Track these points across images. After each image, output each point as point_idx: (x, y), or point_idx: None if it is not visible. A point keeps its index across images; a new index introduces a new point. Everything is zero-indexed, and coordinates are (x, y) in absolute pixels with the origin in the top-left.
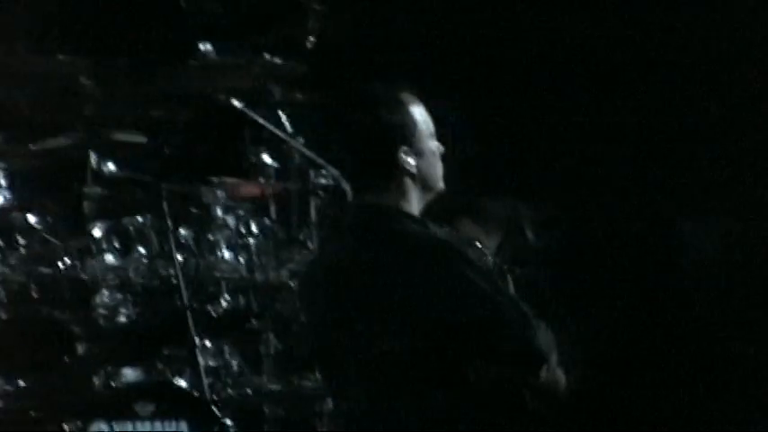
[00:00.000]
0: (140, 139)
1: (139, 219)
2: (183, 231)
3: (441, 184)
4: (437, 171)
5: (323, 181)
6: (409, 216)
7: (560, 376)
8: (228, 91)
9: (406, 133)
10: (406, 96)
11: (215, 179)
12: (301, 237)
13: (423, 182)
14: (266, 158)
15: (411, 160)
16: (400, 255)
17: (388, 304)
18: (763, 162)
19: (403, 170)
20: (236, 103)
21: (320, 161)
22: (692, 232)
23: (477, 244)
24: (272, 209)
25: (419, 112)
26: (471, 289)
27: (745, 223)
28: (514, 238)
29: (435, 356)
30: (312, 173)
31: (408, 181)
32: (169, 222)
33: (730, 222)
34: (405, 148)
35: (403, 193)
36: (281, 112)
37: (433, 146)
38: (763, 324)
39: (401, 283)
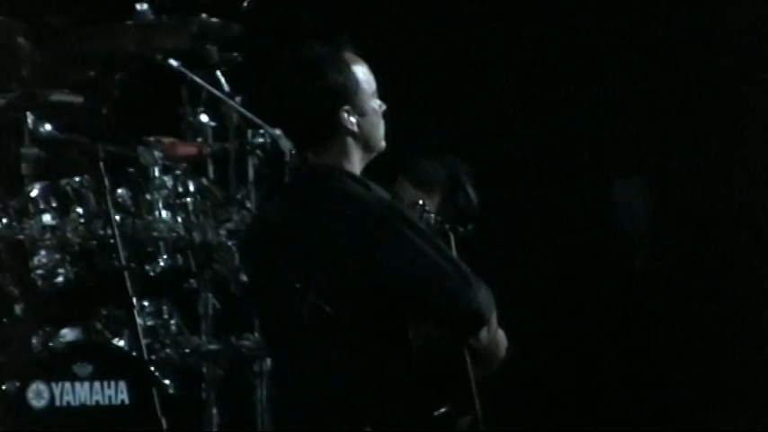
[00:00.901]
0: (77, 99)
1: (77, 179)
2: (120, 191)
3: (382, 144)
4: (379, 131)
5: (260, 140)
6: (351, 175)
7: (502, 338)
8: (166, 51)
9: (347, 93)
10: (348, 56)
11: (152, 139)
12: (239, 196)
13: (364, 142)
14: (204, 118)
15: (353, 119)
16: (341, 214)
17: (329, 264)
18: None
19: (344, 130)
20: (173, 62)
21: (258, 121)
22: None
23: (420, 202)
24: (210, 169)
25: (362, 71)
26: (412, 249)
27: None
28: (456, 197)
29: (375, 317)
30: (250, 133)
31: (350, 140)
32: (106, 183)
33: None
34: (346, 107)
35: (344, 153)
36: (218, 72)
37: (375, 105)
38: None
39: (341, 242)
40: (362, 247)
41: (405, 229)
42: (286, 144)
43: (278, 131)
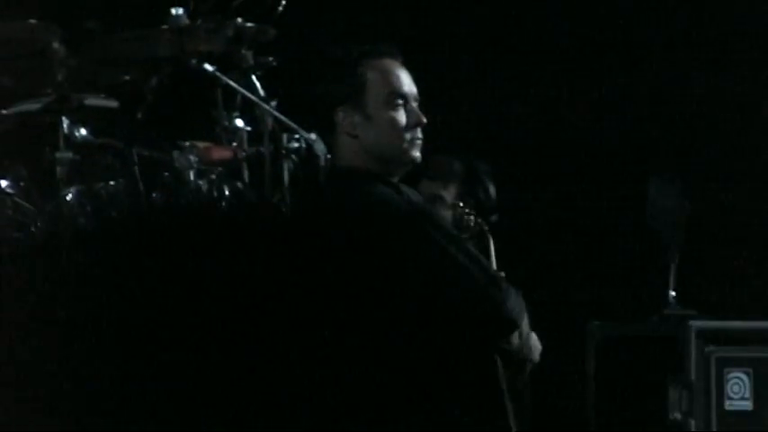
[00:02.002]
0: (112, 103)
1: (111, 183)
2: (155, 196)
3: (407, 155)
4: (391, 140)
5: (295, 145)
6: (380, 178)
7: (535, 342)
8: (201, 55)
9: (347, 94)
10: (375, 61)
11: (187, 143)
12: (274, 200)
13: (371, 147)
14: (239, 122)
15: (352, 121)
16: (372, 218)
17: (360, 267)
18: None
19: (342, 130)
20: (208, 67)
21: (292, 125)
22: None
23: (461, 204)
24: (245, 173)
25: (380, 77)
26: (441, 253)
27: None
28: (476, 191)
29: (405, 321)
30: (285, 137)
31: (351, 142)
32: (141, 187)
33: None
34: (344, 108)
35: (352, 155)
36: (253, 76)
37: (392, 113)
38: None
39: (373, 246)
40: (391, 251)
41: (434, 233)
42: (321, 148)
43: (313, 135)
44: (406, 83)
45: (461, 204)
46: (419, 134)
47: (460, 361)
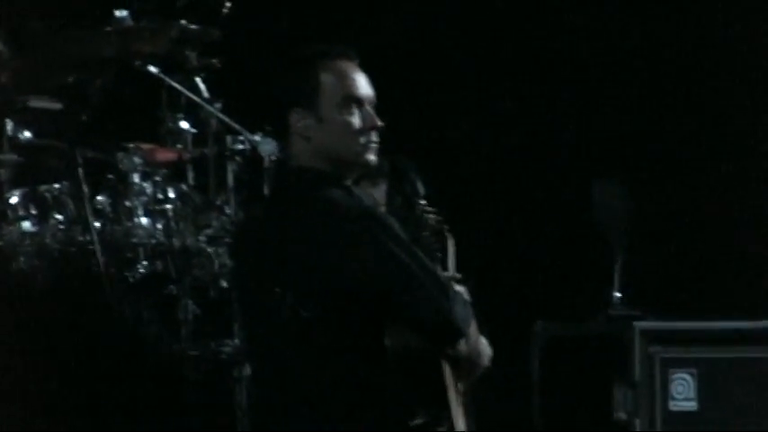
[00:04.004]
0: (56, 105)
1: (56, 186)
2: (99, 198)
3: (361, 158)
4: (344, 142)
5: (240, 146)
6: (334, 181)
7: (484, 347)
8: (145, 56)
9: (300, 95)
10: (330, 62)
11: (131, 145)
12: (219, 202)
13: (324, 149)
14: (183, 124)
15: (305, 123)
16: (321, 219)
17: (307, 268)
18: None
19: (295, 131)
20: (152, 68)
21: (237, 126)
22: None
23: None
24: (190, 175)
25: (334, 79)
26: (390, 257)
27: None
28: (402, 186)
29: (351, 323)
30: (229, 138)
31: (304, 144)
32: (85, 189)
33: None
34: (298, 109)
35: (307, 156)
36: (197, 78)
37: (346, 116)
38: None
39: (320, 247)
40: (340, 253)
41: (383, 236)
42: (265, 149)
43: (257, 137)
44: (362, 85)
45: (423, 203)
46: (374, 137)
47: (406, 363)
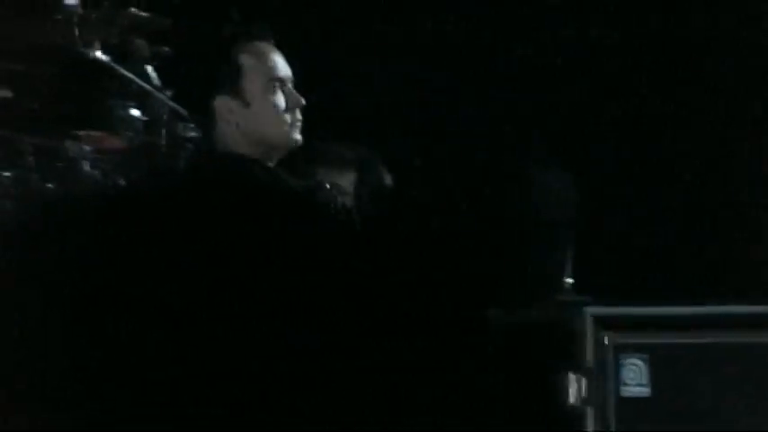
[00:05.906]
0: (5, 93)
1: (5, 174)
2: (48, 185)
3: (289, 139)
4: (271, 125)
5: (191, 134)
6: (259, 164)
7: None
8: (94, 45)
9: (225, 80)
10: (249, 45)
11: (81, 133)
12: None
13: (252, 133)
14: (133, 112)
15: (230, 107)
16: (246, 204)
17: (230, 256)
18: None
19: (221, 117)
20: (101, 56)
21: (187, 114)
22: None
23: (327, 186)
24: (140, 162)
25: (254, 61)
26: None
27: None
28: (369, 177)
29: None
30: (180, 126)
31: (232, 129)
32: (34, 177)
33: None
34: (223, 95)
35: (232, 142)
36: (148, 66)
37: (270, 97)
38: None
39: (242, 234)
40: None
41: (309, 220)
42: None
43: None
44: (281, 66)
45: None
46: (299, 115)
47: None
